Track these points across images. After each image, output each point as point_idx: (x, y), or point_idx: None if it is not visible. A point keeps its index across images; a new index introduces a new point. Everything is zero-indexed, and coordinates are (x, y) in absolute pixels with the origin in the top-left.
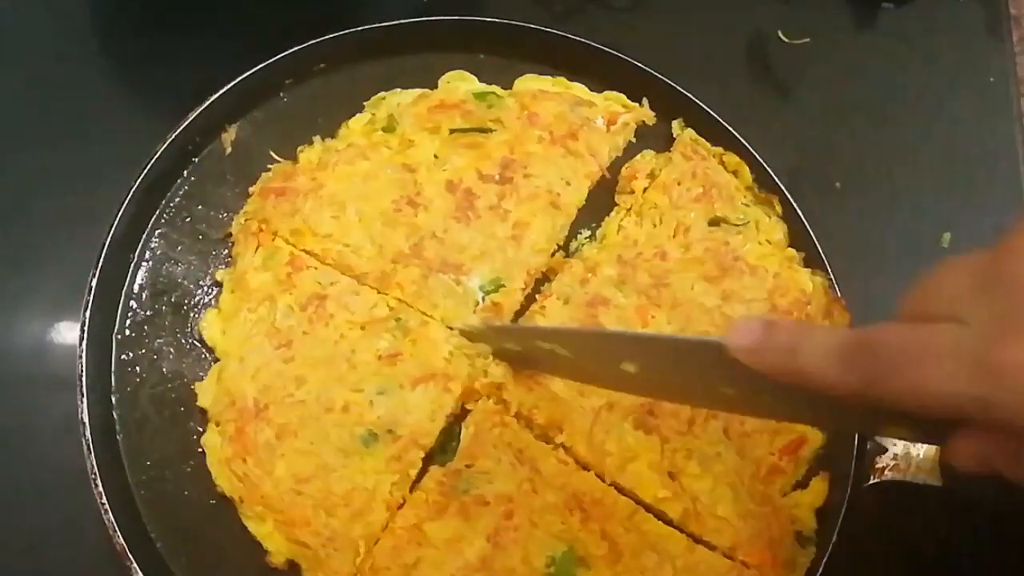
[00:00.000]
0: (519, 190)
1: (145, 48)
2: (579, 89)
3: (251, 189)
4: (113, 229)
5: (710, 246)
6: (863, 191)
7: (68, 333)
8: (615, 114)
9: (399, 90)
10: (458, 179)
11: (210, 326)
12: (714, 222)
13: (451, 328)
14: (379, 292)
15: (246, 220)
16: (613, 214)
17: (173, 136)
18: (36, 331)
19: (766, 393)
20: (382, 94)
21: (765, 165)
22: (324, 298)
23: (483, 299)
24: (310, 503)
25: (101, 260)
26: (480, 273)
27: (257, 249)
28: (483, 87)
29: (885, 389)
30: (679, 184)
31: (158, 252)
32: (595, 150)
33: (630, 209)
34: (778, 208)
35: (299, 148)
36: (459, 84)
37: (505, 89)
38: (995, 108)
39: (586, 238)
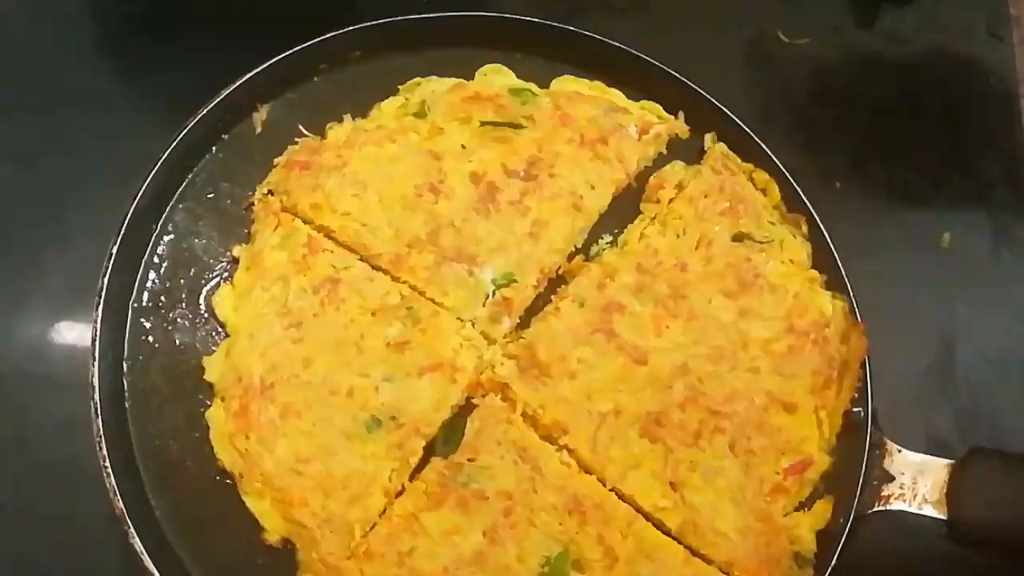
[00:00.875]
0: (543, 188)
1: (152, 47)
2: (615, 95)
3: (276, 160)
4: (138, 199)
5: (732, 261)
6: (863, 191)
7: (68, 333)
8: (649, 123)
9: (435, 77)
10: (483, 171)
11: (223, 301)
12: (738, 237)
13: (461, 320)
14: (391, 276)
15: (268, 191)
16: (636, 222)
17: (204, 111)
18: (37, 331)
19: None
20: (418, 80)
21: (795, 185)
22: (337, 282)
23: (494, 292)
24: (309, 484)
25: (124, 228)
26: (494, 266)
27: (276, 228)
28: (519, 83)
29: None
30: (706, 197)
31: (181, 225)
32: (624, 157)
33: (654, 218)
34: (804, 229)
35: (328, 125)
36: (495, 78)
37: (542, 88)
38: (995, 108)
39: (607, 243)
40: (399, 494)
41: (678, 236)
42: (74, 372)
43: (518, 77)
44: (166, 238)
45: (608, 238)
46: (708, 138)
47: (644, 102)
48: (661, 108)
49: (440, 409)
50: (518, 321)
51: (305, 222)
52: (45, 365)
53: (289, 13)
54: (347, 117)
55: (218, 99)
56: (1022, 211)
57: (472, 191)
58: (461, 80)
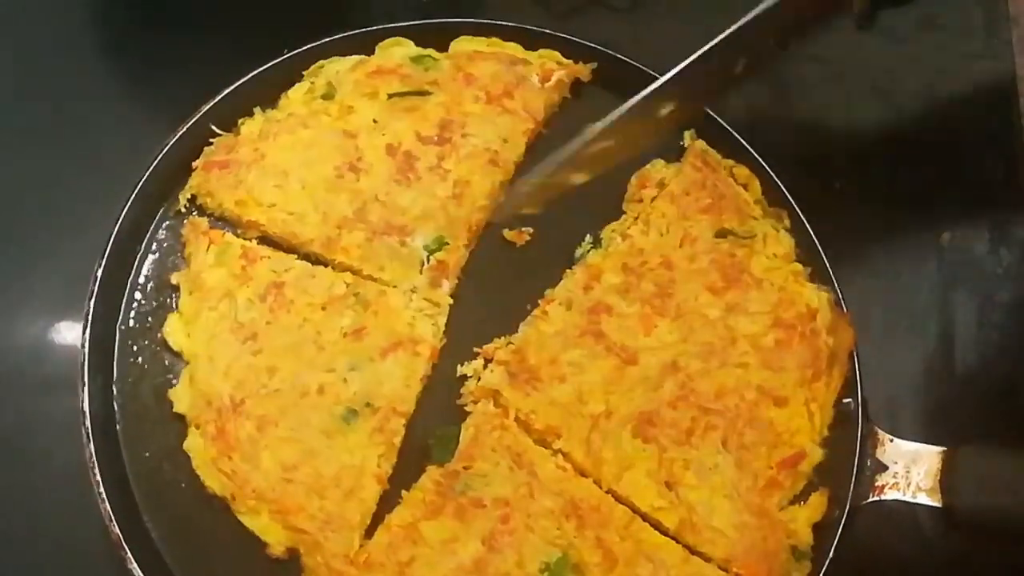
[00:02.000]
0: (458, 150)
1: (152, 47)
2: (513, 48)
3: (194, 164)
4: (120, 220)
5: (716, 257)
6: (863, 191)
7: (68, 333)
8: (549, 71)
9: (337, 58)
10: (398, 142)
11: (174, 331)
12: (721, 234)
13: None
14: (326, 260)
15: (191, 195)
16: (619, 222)
17: (182, 131)
18: (36, 331)
19: None
20: (320, 62)
21: (776, 179)
22: (281, 285)
23: (428, 258)
24: (301, 489)
25: (108, 250)
26: (423, 233)
27: (209, 247)
28: (419, 51)
29: None
30: (688, 194)
31: (165, 244)
32: (531, 107)
33: (637, 217)
34: (787, 222)
35: (240, 120)
36: (395, 49)
37: (441, 52)
38: (995, 108)
39: (590, 245)
40: (395, 501)
41: (662, 234)
42: (74, 372)
43: (417, 45)
44: (151, 258)
45: (591, 239)
46: (687, 135)
47: (542, 50)
48: (559, 54)
49: (411, 384)
50: (456, 282)
51: (232, 220)
52: (45, 365)
53: (289, 15)
54: (257, 110)
55: (195, 117)
56: (1021, 211)
57: (390, 163)
58: (362, 56)
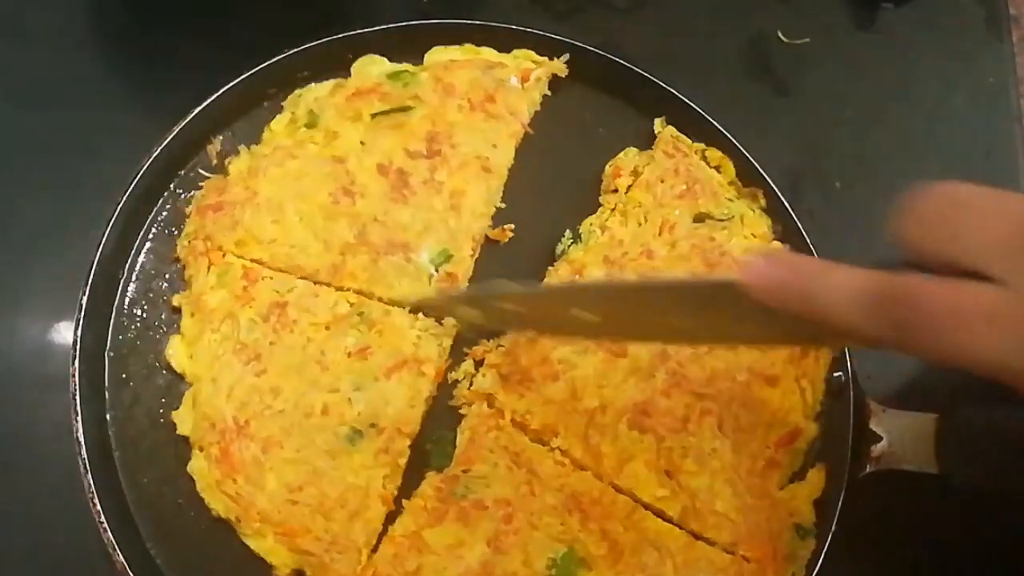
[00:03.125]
0: (449, 161)
1: (141, 54)
2: (488, 53)
3: (187, 210)
4: (101, 247)
5: (696, 242)
6: (863, 191)
7: (67, 333)
8: (528, 70)
9: (314, 84)
10: (388, 161)
11: (176, 353)
12: (699, 218)
13: (405, 308)
14: (336, 288)
15: (189, 241)
16: (596, 215)
17: (156, 152)
18: (35, 332)
19: (777, 325)
20: (298, 91)
21: (749, 156)
22: (284, 305)
23: (436, 272)
24: (307, 510)
25: (91, 278)
26: (427, 247)
27: (209, 268)
28: (395, 67)
29: (918, 344)
30: (662, 182)
31: (148, 268)
32: (515, 109)
33: (614, 209)
34: (762, 201)
35: (227, 160)
36: (371, 68)
37: (416, 65)
38: (995, 108)
39: (571, 240)
40: (398, 514)
41: (640, 224)
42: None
43: (393, 54)
44: (135, 283)
45: (570, 235)
46: (658, 122)
47: (516, 51)
48: (533, 53)
49: (416, 404)
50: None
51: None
52: (45, 365)
53: (254, 30)
54: (242, 148)
55: (168, 139)
56: None
57: (384, 183)
58: (339, 80)
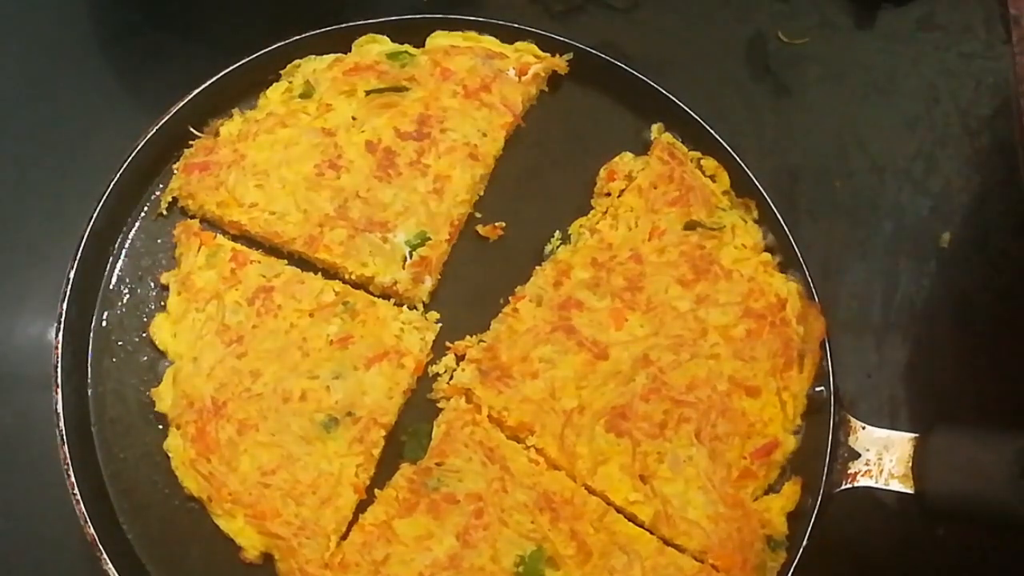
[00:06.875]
0: (437, 145)
1: (136, 44)
2: (490, 42)
3: (175, 166)
4: (92, 223)
5: (685, 249)
6: (863, 191)
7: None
8: (526, 64)
9: (313, 57)
10: (377, 139)
11: (160, 330)
12: (690, 226)
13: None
14: (308, 257)
15: (173, 198)
16: (587, 216)
17: (150, 134)
18: (36, 331)
19: None
20: (297, 61)
21: (744, 167)
22: (270, 290)
23: (410, 254)
24: (278, 494)
25: (79, 253)
26: (405, 228)
27: (199, 248)
28: (395, 47)
29: None
30: (655, 187)
31: (138, 246)
32: (509, 100)
33: (606, 212)
34: (755, 212)
35: (219, 122)
36: (372, 46)
37: (417, 48)
38: (995, 108)
39: (559, 241)
40: (370, 503)
41: (630, 228)
42: None
43: (393, 41)
44: (124, 261)
45: (560, 235)
46: (655, 128)
47: (518, 43)
48: (536, 47)
49: (393, 396)
50: (439, 277)
51: (214, 221)
52: (45, 365)
53: (256, 20)
54: (236, 111)
55: (165, 118)
56: (1021, 212)
57: (370, 160)
58: (339, 55)
